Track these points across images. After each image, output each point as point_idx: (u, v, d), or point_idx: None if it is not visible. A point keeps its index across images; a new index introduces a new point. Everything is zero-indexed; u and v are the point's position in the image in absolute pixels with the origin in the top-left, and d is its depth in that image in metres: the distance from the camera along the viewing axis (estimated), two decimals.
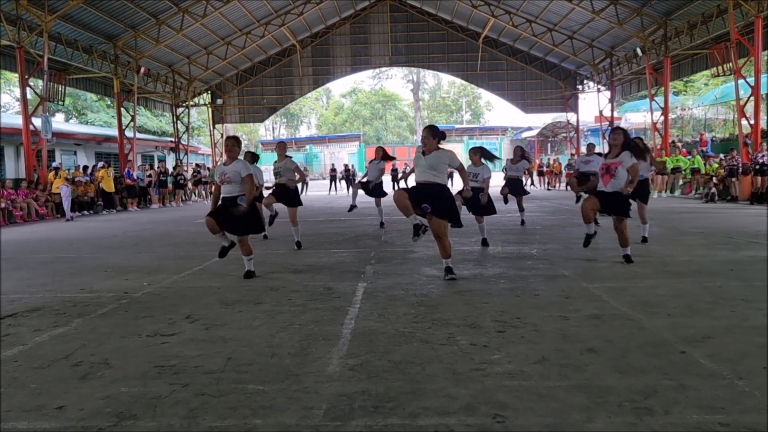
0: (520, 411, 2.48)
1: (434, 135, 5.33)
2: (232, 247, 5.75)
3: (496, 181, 11.80)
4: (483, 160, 7.64)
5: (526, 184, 26.41)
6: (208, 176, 23.88)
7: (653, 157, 7.83)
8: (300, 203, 8.10)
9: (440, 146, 5.36)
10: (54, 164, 17.12)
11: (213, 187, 5.96)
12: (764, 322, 3.67)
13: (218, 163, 6.45)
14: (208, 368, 3.11)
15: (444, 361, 3.13)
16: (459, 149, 47.45)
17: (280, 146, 8.07)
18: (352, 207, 10.18)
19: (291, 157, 8.07)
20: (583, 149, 22.27)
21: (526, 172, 27.52)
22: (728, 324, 3.68)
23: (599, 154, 8.93)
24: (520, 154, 10.06)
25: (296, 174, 7.92)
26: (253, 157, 8.73)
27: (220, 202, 5.66)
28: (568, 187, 21.51)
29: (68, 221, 14.27)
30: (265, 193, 8.44)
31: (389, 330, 3.75)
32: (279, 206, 8.41)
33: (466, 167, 7.58)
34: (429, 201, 5.22)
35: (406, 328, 3.78)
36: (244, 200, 5.47)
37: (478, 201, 7.47)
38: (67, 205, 14.75)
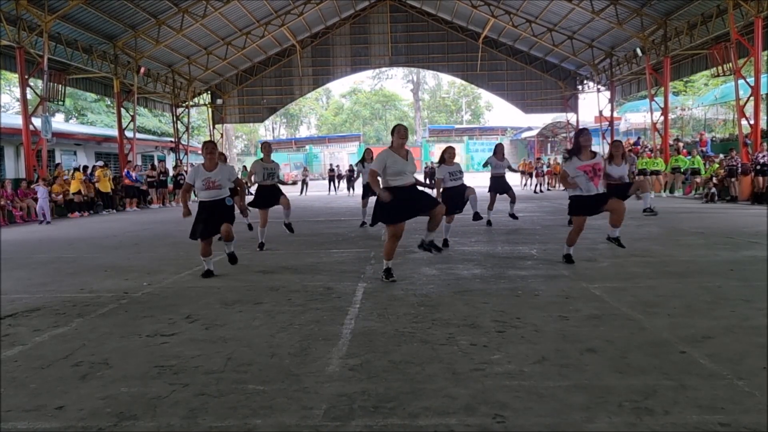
0: (520, 411, 2.48)
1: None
2: (212, 275, 5.91)
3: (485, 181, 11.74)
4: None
5: (526, 185, 26.53)
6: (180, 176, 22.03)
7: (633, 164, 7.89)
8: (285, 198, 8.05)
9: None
10: (73, 164, 17.22)
11: (184, 187, 6.03)
12: (764, 322, 3.68)
13: (194, 167, 6.39)
14: (208, 368, 3.11)
15: (444, 361, 3.14)
16: (460, 149, 47.51)
17: (268, 147, 8.09)
18: (364, 223, 10.47)
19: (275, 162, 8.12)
20: None
21: (523, 173, 27.62)
22: (728, 324, 3.69)
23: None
24: (503, 151, 10.11)
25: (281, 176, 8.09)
26: (223, 158, 8.93)
27: (201, 208, 5.79)
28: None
29: (46, 224, 13.56)
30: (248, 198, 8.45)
31: (389, 330, 3.75)
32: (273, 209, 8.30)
33: (442, 168, 7.40)
34: (415, 201, 5.20)
35: (406, 328, 3.78)
36: (234, 201, 5.88)
37: (463, 198, 7.40)
38: (45, 207, 13.97)
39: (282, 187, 8.00)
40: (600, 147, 26.96)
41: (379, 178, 5.14)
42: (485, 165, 10.17)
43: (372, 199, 10.20)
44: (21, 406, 2.67)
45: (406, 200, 5.10)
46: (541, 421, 2.39)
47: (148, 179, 20.44)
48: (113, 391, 2.82)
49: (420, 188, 5.35)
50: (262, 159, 7.85)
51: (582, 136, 5.92)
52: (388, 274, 5.38)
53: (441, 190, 7.29)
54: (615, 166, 7.28)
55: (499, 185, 10.08)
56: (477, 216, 7.53)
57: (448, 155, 7.41)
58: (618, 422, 2.36)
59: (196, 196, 6.19)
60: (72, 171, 17.20)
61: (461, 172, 7.50)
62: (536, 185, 24.33)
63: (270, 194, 7.80)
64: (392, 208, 5.06)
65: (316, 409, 2.56)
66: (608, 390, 2.68)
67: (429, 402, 2.60)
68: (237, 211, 6.19)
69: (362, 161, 10.43)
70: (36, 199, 15.11)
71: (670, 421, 2.35)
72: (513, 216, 10.07)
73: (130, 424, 2.45)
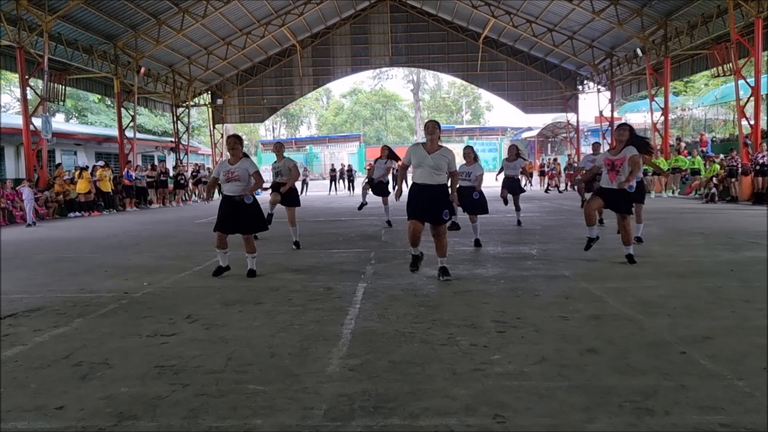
0: (520, 411, 2.48)
1: (440, 129, 5.37)
2: (227, 270, 5.88)
3: (492, 180, 11.81)
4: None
5: (526, 185, 26.60)
6: (207, 176, 23.40)
7: (648, 159, 7.70)
8: (299, 203, 8.10)
9: (440, 143, 5.39)
10: (80, 163, 17.21)
11: (210, 181, 6.02)
12: (764, 323, 3.67)
13: (220, 161, 6.52)
14: (208, 368, 3.11)
15: (444, 361, 3.13)
16: (460, 150, 47.45)
17: (279, 146, 8.14)
18: (363, 204, 10.43)
19: (289, 157, 8.11)
20: (587, 149, 22.13)
21: (524, 172, 27.64)
22: (728, 324, 3.68)
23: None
24: (516, 152, 10.13)
25: (292, 172, 7.96)
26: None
27: (223, 202, 5.79)
28: (569, 187, 21.56)
29: (27, 226, 12.92)
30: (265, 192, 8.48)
31: (389, 330, 3.75)
32: (277, 207, 8.36)
33: (458, 166, 7.59)
34: (433, 208, 5.22)
35: (406, 329, 3.77)
36: (249, 191, 5.72)
37: (471, 199, 7.51)
38: (29, 208, 13.36)
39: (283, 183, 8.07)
40: (601, 147, 26.94)
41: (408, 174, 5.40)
42: (500, 172, 10.23)
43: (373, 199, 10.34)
44: (21, 406, 2.67)
45: (425, 203, 5.23)
46: (541, 421, 2.39)
47: (148, 179, 20.45)
48: (113, 391, 2.81)
49: (444, 197, 5.30)
50: (275, 161, 8.01)
51: (617, 130, 6.04)
52: (414, 263, 5.44)
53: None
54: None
55: (511, 186, 10.12)
56: (477, 243, 7.63)
57: (464, 154, 7.69)
58: (618, 423, 2.35)
59: (220, 193, 6.15)
60: (79, 170, 17.19)
61: (469, 174, 7.58)
62: (548, 185, 24.72)
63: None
64: (414, 205, 5.29)
65: (316, 409, 2.56)
66: (608, 390, 2.67)
67: (429, 402, 2.59)
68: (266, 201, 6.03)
69: (378, 158, 10.31)
70: (36, 199, 15.11)
71: (671, 421, 2.35)
72: (519, 223, 10.16)
73: (131, 424, 2.45)
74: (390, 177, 10.28)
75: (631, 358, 3.11)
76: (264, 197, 8.28)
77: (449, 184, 5.49)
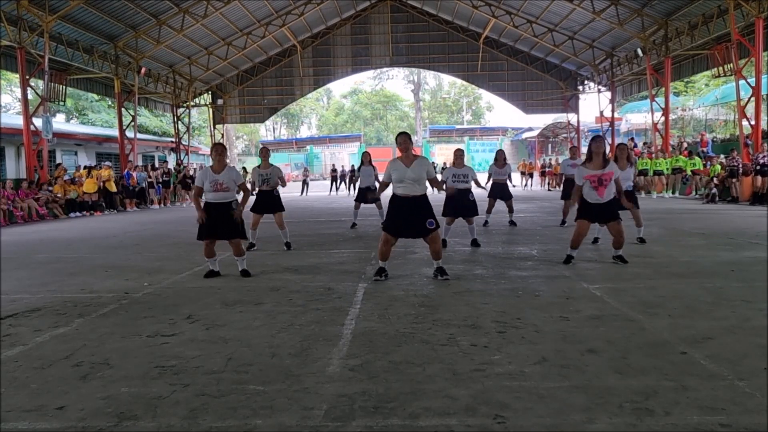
0: (520, 411, 2.48)
1: (411, 142, 5.38)
2: (218, 275, 5.89)
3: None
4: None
5: (527, 186, 26.70)
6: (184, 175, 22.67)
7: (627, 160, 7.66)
8: (284, 208, 8.02)
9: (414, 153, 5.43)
10: (86, 163, 17.25)
11: (195, 191, 6.00)
12: (765, 323, 3.68)
13: (203, 170, 6.39)
14: (208, 368, 3.11)
15: (444, 361, 3.13)
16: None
17: (264, 151, 8.06)
18: (354, 225, 10.53)
19: (277, 166, 7.97)
20: (586, 150, 22.26)
21: (523, 173, 27.80)
22: (729, 325, 3.68)
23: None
24: (504, 158, 10.19)
25: (280, 182, 7.93)
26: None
27: (206, 208, 5.76)
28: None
29: None
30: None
31: (390, 330, 3.75)
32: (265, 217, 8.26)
33: (448, 170, 7.58)
34: (415, 221, 5.25)
35: (407, 329, 3.78)
36: (238, 206, 5.79)
37: (468, 202, 7.48)
38: None
39: (281, 190, 8.03)
40: (579, 152, 27.04)
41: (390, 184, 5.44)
42: (489, 179, 10.25)
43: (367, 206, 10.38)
44: (21, 406, 2.67)
45: (407, 218, 5.29)
46: (541, 421, 2.39)
47: (147, 180, 20.45)
48: (114, 391, 2.82)
49: (425, 207, 5.31)
50: (259, 166, 7.90)
51: (594, 143, 6.06)
52: (378, 273, 5.47)
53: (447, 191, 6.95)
54: (620, 171, 7.30)
55: (499, 191, 10.15)
56: (475, 242, 7.62)
57: (455, 157, 7.65)
58: (618, 423, 2.35)
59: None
60: (88, 170, 17.20)
61: (466, 176, 7.58)
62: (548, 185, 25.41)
63: (267, 200, 7.86)
64: (393, 221, 5.35)
65: (316, 409, 2.56)
66: (609, 391, 2.67)
67: (429, 402, 2.60)
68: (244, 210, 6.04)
69: (360, 165, 10.45)
70: (37, 199, 15.13)
71: (671, 421, 2.35)
72: (512, 223, 10.18)
73: (131, 424, 2.45)
74: (376, 183, 10.41)
75: (631, 358, 3.11)
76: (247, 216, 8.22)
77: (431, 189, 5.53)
